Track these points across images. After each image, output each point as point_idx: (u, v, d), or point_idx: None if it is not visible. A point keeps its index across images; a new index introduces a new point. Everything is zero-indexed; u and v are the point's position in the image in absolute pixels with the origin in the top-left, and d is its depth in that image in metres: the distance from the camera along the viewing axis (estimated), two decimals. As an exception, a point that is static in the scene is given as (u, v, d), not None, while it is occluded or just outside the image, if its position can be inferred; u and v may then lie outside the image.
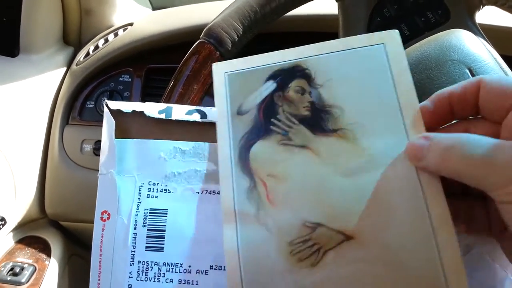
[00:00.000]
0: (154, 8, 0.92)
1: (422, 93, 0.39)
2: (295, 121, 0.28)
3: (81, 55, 0.72)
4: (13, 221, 0.65)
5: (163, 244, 0.31)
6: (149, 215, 0.32)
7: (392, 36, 0.29)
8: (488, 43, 0.43)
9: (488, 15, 0.57)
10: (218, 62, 0.31)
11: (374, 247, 0.25)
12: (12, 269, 0.63)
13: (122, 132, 0.33)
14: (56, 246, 0.70)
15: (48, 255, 0.68)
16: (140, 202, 0.32)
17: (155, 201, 0.32)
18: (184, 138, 0.32)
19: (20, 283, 0.62)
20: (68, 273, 0.72)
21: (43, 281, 0.64)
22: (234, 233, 0.27)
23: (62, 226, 0.75)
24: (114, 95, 0.68)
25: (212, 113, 0.33)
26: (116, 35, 0.72)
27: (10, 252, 0.67)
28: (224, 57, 0.43)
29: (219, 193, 0.32)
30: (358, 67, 0.29)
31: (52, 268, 0.66)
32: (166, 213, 0.32)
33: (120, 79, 0.69)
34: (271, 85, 0.30)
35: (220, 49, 0.43)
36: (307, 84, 0.29)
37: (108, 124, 0.33)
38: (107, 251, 0.32)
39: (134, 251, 0.31)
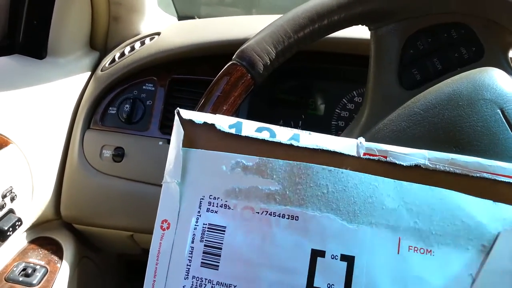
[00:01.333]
0: (179, 17, 0.93)
1: (453, 131, 0.39)
2: None
3: (106, 61, 0.73)
4: (28, 221, 0.66)
5: (219, 262, 0.31)
6: (208, 230, 0.31)
7: None
8: (521, 83, 0.42)
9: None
10: None
11: None
12: (24, 269, 0.64)
13: (189, 142, 0.32)
14: (68, 248, 0.71)
15: (60, 257, 0.69)
16: (200, 216, 0.31)
17: (214, 216, 0.31)
18: (250, 154, 0.31)
19: (31, 285, 0.62)
20: (78, 275, 0.73)
21: (54, 283, 0.64)
22: None
23: (75, 228, 0.75)
24: (137, 103, 0.69)
25: (281, 132, 0.32)
26: (142, 43, 0.73)
27: (22, 252, 0.67)
28: (255, 80, 0.43)
29: (280, 216, 0.31)
30: None
31: (64, 270, 0.67)
32: (224, 231, 0.31)
33: (144, 87, 0.70)
34: None
35: (252, 72, 0.43)
36: None
37: (177, 133, 0.32)
38: (163, 261, 0.31)
39: (190, 266, 0.31)
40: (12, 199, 0.59)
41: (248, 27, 0.70)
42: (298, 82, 0.73)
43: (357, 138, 0.32)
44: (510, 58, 0.46)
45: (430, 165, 0.31)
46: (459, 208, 0.30)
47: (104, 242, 0.80)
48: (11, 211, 0.59)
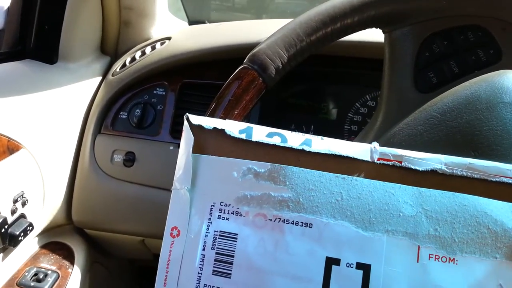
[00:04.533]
0: (190, 22, 0.92)
1: (471, 135, 0.38)
2: None
3: (117, 66, 0.73)
4: (39, 226, 0.66)
5: (231, 270, 0.30)
6: (219, 238, 0.30)
7: None
8: (541, 86, 0.41)
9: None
10: None
11: None
12: (36, 274, 0.64)
13: (199, 148, 0.31)
14: (79, 253, 0.71)
15: (72, 262, 0.69)
16: (211, 223, 0.31)
17: (225, 224, 0.31)
18: (261, 160, 0.31)
19: (42, 290, 0.62)
20: (89, 281, 0.72)
21: (65, 289, 0.64)
22: None
23: (86, 233, 0.75)
24: (148, 108, 0.69)
25: (292, 138, 0.31)
26: (153, 48, 0.73)
27: (34, 257, 0.67)
28: (266, 83, 0.43)
29: (293, 223, 0.30)
30: None
31: (75, 276, 0.67)
32: (236, 238, 0.30)
33: (155, 92, 0.70)
34: None
35: (264, 76, 0.42)
36: None
37: (187, 139, 0.32)
38: (173, 269, 0.30)
39: (201, 274, 0.30)
40: (24, 204, 0.59)
41: (259, 31, 0.70)
42: (310, 86, 0.72)
43: (371, 143, 0.31)
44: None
45: (447, 170, 0.30)
46: (485, 214, 0.29)
47: (115, 247, 0.80)
48: (22, 216, 0.59)
